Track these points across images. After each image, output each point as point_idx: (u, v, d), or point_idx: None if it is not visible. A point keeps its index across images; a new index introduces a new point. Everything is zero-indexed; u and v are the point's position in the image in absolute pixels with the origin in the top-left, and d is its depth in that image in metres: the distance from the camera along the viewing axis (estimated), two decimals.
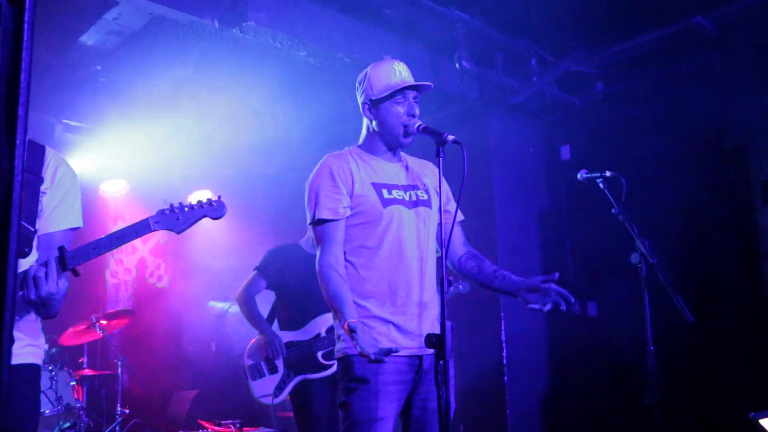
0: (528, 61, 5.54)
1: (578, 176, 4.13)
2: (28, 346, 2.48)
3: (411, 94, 3.04)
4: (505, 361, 5.59)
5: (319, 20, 4.69)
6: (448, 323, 2.74)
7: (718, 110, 5.38)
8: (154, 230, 2.54)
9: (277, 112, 6.54)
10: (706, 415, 5.16)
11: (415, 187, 3.07)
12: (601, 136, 6.11)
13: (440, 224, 2.92)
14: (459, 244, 3.20)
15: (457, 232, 3.22)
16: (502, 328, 5.63)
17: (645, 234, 3.88)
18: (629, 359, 5.37)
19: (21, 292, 2.26)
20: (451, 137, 2.85)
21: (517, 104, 5.78)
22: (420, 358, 2.89)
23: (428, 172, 3.21)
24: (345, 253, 2.95)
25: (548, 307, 2.85)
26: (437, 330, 2.97)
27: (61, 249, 2.36)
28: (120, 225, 7.79)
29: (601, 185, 4.02)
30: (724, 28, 5.04)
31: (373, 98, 3.04)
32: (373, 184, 2.97)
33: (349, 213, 2.95)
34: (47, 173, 2.57)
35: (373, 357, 2.61)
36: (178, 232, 2.61)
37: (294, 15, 4.53)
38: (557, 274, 2.86)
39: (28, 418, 2.53)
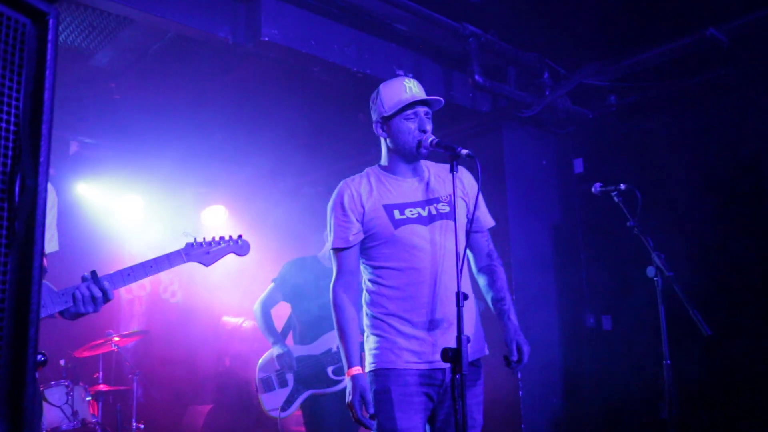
0: (540, 74, 5.54)
1: (593, 190, 4.12)
2: None
3: (422, 110, 3.07)
4: (519, 376, 5.56)
5: (332, 36, 4.72)
6: (464, 337, 2.75)
7: (732, 122, 5.35)
8: (187, 262, 2.78)
9: (290, 125, 6.58)
10: (723, 430, 5.10)
11: (436, 200, 3.08)
12: (614, 149, 6.09)
13: (464, 233, 2.97)
14: (483, 254, 3.25)
15: (482, 240, 3.27)
16: None
17: (660, 247, 3.87)
18: (645, 373, 5.33)
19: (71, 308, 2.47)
20: (464, 151, 2.86)
21: (530, 118, 5.78)
22: (443, 371, 2.95)
23: (456, 180, 3.20)
24: (369, 272, 3.06)
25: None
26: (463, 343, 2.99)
27: (93, 273, 2.53)
28: (133, 241, 7.85)
29: (615, 199, 4.01)
30: (738, 39, 5.02)
31: (384, 115, 3.06)
32: (384, 206, 3.02)
33: (361, 237, 3.04)
34: None
35: (370, 427, 2.90)
36: (207, 266, 2.86)
37: (307, 31, 4.56)
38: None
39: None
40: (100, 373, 6.51)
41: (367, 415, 2.90)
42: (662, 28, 5.13)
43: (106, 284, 2.48)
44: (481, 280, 3.22)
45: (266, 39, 4.32)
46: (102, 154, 7.00)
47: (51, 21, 1.07)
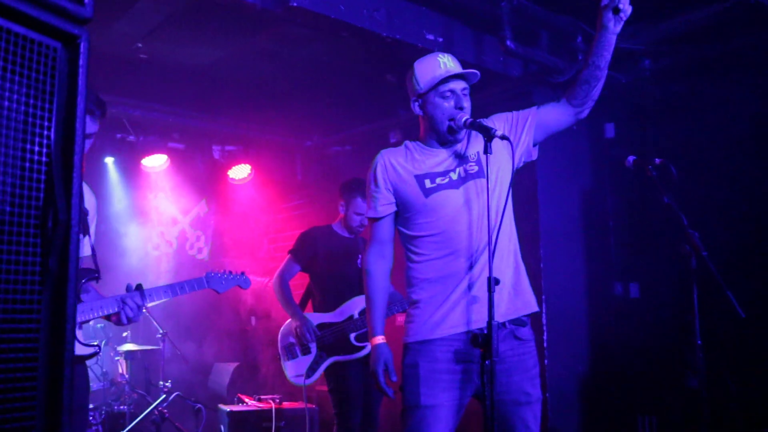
0: (573, 38, 5.37)
1: (626, 164, 4.00)
2: None
3: (459, 86, 2.99)
4: (545, 344, 5.54)
5: (361, 0, 4.61)
6: (495, 321, 2.71)
7: None
8: (206, 288, 3.56)
9: (318, 88, 6.50)
10: (752, 403, 5.06)
11: (466, 161, 2.99)
12: (646, 114, 5.95)
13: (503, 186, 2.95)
14: (560, 103, 3.07)
15: (547, 108, 3.08)
16: (543, 311, 5.56)
17: (694, 221, 3.76)
18: (671, 342, 5.29)
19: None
20: (499, 133, 2.79)
21: (562, 82, 5.64)
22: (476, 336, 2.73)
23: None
24: (406, 242, 3.06)
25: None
26: (501, 309, 2.84)
27: (139, 286, 3.11)
28: (161, 198, 7.90)
29: (649, 173, 3.89)
30: None
31: (419, 92, 2.98)
32: (416, 176, 2.98)
33: (393, 209, 3.05)
34: (88, 205, 2.93)
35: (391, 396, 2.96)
36: (220, 292, 3.64)
37: None
38: None
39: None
40: (129, 333, 6.60)
41: (391, 384, 2.94)
42: None
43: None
44: (571, 92, 3.01)
45: (294, 4, 4.23)
46: (128, 113, 6.98)
47: (82, 45, 1.02)
